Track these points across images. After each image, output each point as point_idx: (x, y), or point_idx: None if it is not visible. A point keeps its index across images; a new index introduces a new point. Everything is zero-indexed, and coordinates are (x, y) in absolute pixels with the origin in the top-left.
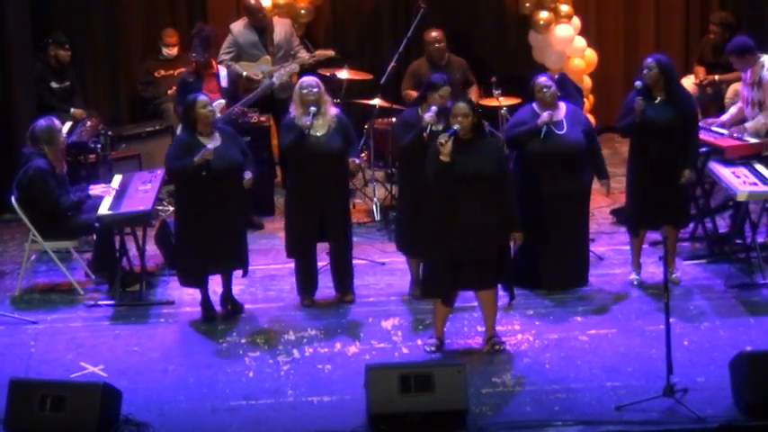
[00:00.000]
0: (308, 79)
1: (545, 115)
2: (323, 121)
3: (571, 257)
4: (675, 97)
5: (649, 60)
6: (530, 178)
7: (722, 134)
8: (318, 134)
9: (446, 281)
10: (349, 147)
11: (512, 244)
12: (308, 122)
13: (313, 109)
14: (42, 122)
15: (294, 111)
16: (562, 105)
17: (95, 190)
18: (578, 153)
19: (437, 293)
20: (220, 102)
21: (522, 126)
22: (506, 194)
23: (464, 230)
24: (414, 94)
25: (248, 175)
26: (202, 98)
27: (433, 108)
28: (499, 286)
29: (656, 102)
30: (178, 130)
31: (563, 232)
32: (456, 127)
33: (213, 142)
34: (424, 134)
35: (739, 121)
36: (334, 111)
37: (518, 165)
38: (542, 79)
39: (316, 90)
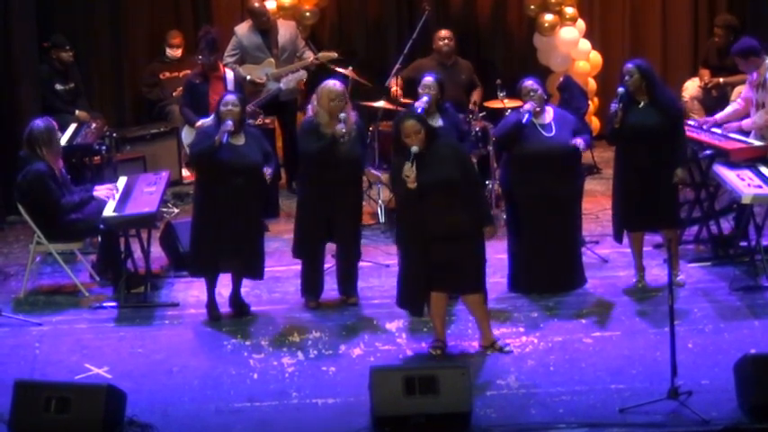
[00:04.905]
0: (335, 89)
1: (527, 105)
2: (347, 127)
3: (560, 260)
4: (659, 100)
5: (629, 66)
6: (519, 181)
7: (726, 136)
8: (342, 140)
9: (415, 291)
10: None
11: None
12: (344, 129)
13: (343, 115)
14: (40, 124)
15: (316, 115)
16: (549, 109)
17: (100, 190)
18: (567, 155)
19: (406, 304)
20: None
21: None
22: (473, 193)
23: (433, 236)
24: (393, 84)
25: (268, 170)
26: (227, 97)
27: (425, 98)
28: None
29: (640, 106)
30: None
31: (553, 235)
32: (414, 149)
33: (226, 126)
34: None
35: (734, 120)
36: (354, 117)
37: (507, 168)
38: (529, 83)
39: (343, 102)
